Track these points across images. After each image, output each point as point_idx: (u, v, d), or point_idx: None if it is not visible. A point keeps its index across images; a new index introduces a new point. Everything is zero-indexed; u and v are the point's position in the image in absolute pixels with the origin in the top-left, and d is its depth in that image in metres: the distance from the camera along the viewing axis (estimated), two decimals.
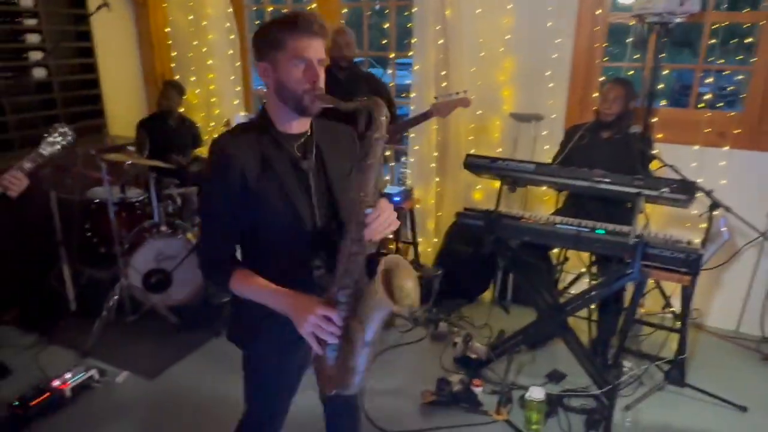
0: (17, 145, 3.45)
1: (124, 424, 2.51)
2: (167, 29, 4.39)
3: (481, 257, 3.47)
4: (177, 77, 4.39)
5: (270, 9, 4.28)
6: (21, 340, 3.07)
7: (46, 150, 2.54)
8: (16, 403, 2.45)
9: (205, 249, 1.45)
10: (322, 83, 1.33)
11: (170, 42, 4.42)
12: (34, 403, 2.46)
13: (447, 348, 3.08)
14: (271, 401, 1.60)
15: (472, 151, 3.55)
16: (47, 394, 2.52)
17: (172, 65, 4.48)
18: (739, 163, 3.06)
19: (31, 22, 3.53)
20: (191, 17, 4.23)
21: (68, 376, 2.64)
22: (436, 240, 3.89)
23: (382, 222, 1.25)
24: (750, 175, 3.05)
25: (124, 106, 4.32)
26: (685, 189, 2.25)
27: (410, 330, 3.28)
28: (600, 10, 3.18)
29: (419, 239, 3.94)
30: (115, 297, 3.12)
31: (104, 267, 3.49)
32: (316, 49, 1.31)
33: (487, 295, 3.67)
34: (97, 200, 3.38)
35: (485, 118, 3.60)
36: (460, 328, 3.29)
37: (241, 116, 4.32)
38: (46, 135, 2.59)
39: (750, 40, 3.05)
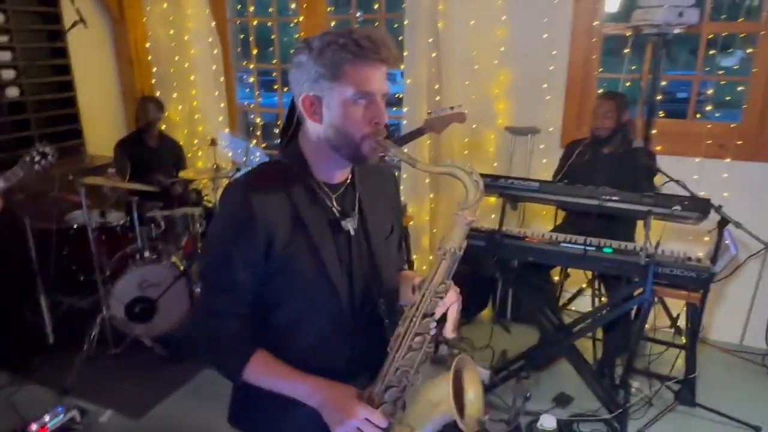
0: None
1: None
2: (147, 45, 4.24)
3: (478, 275, 3.37)
4: (158, 94, 4.23)
5: (255, 22, 4.15)
6: None
7: (22, 169, 2.39)
8: None
9: (209, 326, 1.13)
10: (385, 123, 1.07)
11: (150, 58, 4.26)
12: None
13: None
14: None
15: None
16: None
17: (153, 81, 4.32)
18: (741, 175, 3.01)
19: (2, 38, 3.35)
20: (172, 32, 4.09)
21: (47, 418, 2.45)
22: (431, 257, 3.78)
23: (454, 315, 1.08)
24: (752, 187, 3.00)
25: (102, 126, 4.14)
26: (697, 206, 2.17)
27: None
28: (596, 22, 3.12)
29: (414, 256, 3.83)
30: (96, 329, 2.95)
31: (84, 296, 3.30)
32: (381, 81, 1.04)
33: (486, 313, 3.57)
34: (76, 225, 3.20)
35: (480, 132, 3.51)
36: (461, 349, 3.17)
37: (225, 133, 4.18)
38: (25, 155, 2.44)
39: (750, 50, 3.01)
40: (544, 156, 3.37)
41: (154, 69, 4.29)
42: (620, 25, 3.11)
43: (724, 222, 2.41)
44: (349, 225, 1.13)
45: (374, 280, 1.16)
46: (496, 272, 2.60)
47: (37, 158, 2.48)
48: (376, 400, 1.07)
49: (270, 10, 4.16)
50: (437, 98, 3.42)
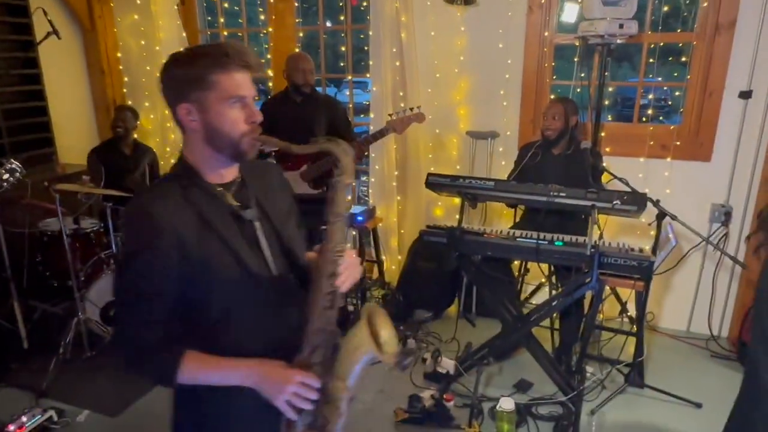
0: None
1: None
2: (118, 54, 4.31)
3: (445, 272, 3.54)
4: (129, 103, 4.30)
5: (225, 33, 4.27)
6: None
7: None
8: None
9: (134, 339, 1.15)
10: (260, 121, 1.19)
11: (121, 67, 4.34)
12: None
13: (416, 364, 3.11)
14: None
15: (431, 169, 3.65)
16: None
17: (124, 91, 4.39)
18: (681, 173, 3.27)
19: None
20: (143, 42, 4.18)
21: (24, 419, 2.50)
22: (400, 257, 3.93)
23: (353, 270, 1.20)
24: (691, 184, 3.26)
25: (74, 134, 4.19)
26: (635, 200, 2.38)
27: None
28: (547, 32, 3.35)
29: (383, 257, 3.98)
30: (71, 332, 3.00)
31: (58, 301, 3.35)
32: (249, 85, 1.16)
33: (453, 308, 3.73)
34: (50, 232, 3.26)
35: (443, 137, 3.70)
36: (429, 343, 3.33)
37: None
38: None
39: (684, 59, 3.27)
40: (503, 158, 3.57)
41: (126, 78, 4.36)
42: (569, 35, 3.35)
43: (661, 215, 2.63)
44: (251, 214, 1.23)
45: (287, 259, 1.27)
46: (458, 266, 2.76)
47: (5, 176, 2.55)
48: (306, 364, 1.17)
49: (240, 20, 4.29)
50: (402, 104, 3.59)
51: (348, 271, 1.19)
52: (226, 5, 4.29)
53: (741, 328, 3.13)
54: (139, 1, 4.08)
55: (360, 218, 3.66)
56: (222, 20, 4.26)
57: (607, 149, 3.33)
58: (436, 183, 2.75)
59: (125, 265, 1.17)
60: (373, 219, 3.76)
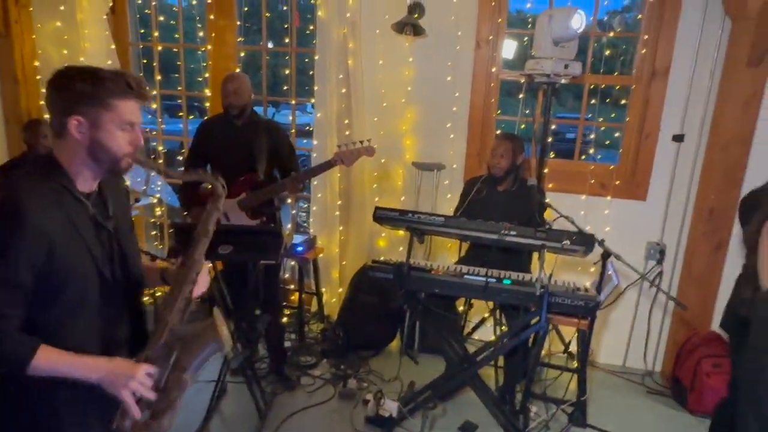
0: None
1: None
2: (36, 63, 3.93)
3: (387, 306, 3.41)
4: (47, 116, 3.91)
5: (159, 48, 4.01)
6: None
7: None
8: None
9: None
10: (141, 146, 1.33)
11: (39, 77, 3.95)
12: None
13: (357, 406, 2.94)
14: None
15: (376, 200, 3.56)
16: None
17: (41, 102, 4.00)
18: (619, 211, 3.35)
19: None
20: (65, 51, 3.83)
21: None
22: (341, 290, 3.77)
23: (205, 281, 1.42)
24: (628, 222, 3.34)
25: None
26: (584, 241, 2.38)
27: (317, 389, 3.10)
28: (494, 68, 3.37)
29: (323, 289, 3.81)
30: None
31: None
32: (139, 114, 1.31)
33: (395, 344, 3.60)
34: None
35: (388, 167, 3.62)
36: (370, 383, 3.17)
37: None
38: None
39: (624, 101, 3.39)
40: (449, 191, 3.53)
41: (43, 89, 3.98)
42: (515, 72, 3.39)
43: (606, 255, 2.65)
44: (111, 224, 1.35)
45: (129, 268, 1.40)
46: (404, 304, 2.65)
47: None
48: (151, 358, 1.30)
49: (176, 35, 4.05)
50: (347, 132, 3.49)
51: (203, 281, 1.40)
52: (161, 18, 4.05)
53: (675, 363, 3.20)
54: (62, 8, 3.75)
55: (300, 248, 3.48)
56: (156, 34, 4.00)
57: (550, 185, 3.36)
58: (384, 217, 2.64)
59: None
60: (313, 249, 3.60)
